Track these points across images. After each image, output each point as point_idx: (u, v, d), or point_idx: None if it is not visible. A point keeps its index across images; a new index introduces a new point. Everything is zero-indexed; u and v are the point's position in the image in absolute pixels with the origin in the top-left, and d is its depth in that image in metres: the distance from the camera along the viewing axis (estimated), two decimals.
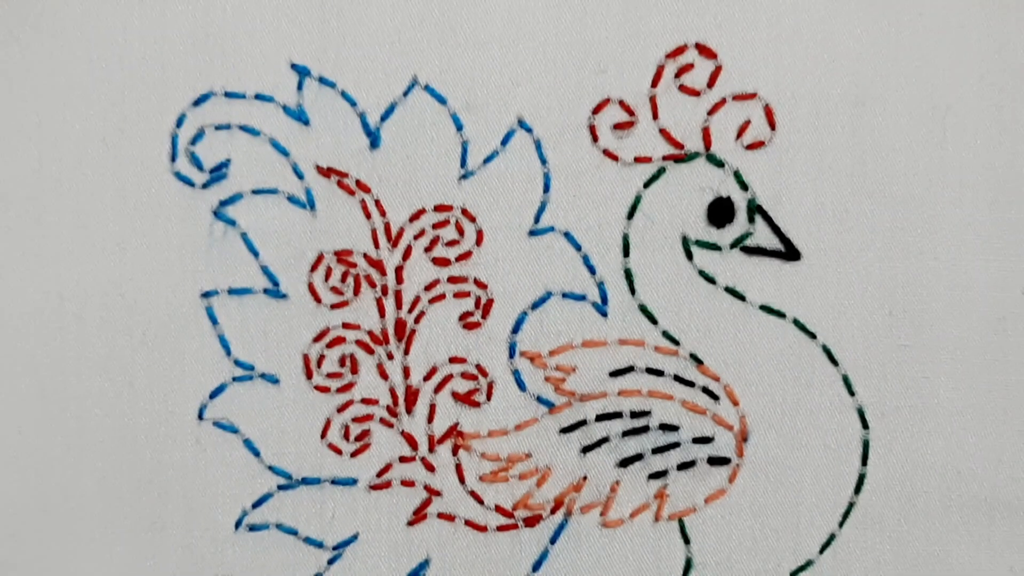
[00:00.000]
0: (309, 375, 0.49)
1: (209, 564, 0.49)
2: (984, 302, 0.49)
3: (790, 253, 0.48)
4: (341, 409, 0.49)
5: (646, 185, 0.48)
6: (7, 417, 0.49)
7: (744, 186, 0.48)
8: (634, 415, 0.49)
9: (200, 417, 0.49)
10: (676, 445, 0.49)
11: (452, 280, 0.49)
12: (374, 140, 0.48)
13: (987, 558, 0.49)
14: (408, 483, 0.50)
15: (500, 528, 0.50)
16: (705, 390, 0.49)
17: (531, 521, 0.50)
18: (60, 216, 0.48)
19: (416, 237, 0.49)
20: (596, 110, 0.48)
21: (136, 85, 0.48)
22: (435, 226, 0.49)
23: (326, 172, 0.48)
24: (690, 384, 0.49)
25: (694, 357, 0.49)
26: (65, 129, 0.48)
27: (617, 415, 0.49)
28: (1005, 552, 0.50)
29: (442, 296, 0.49)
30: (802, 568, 0.50)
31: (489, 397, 0.49)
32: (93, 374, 0.49)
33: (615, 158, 0.48)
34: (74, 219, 0.48)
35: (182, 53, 0.48)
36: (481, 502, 0.50)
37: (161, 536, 0.49)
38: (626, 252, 0.49)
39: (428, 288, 0.49)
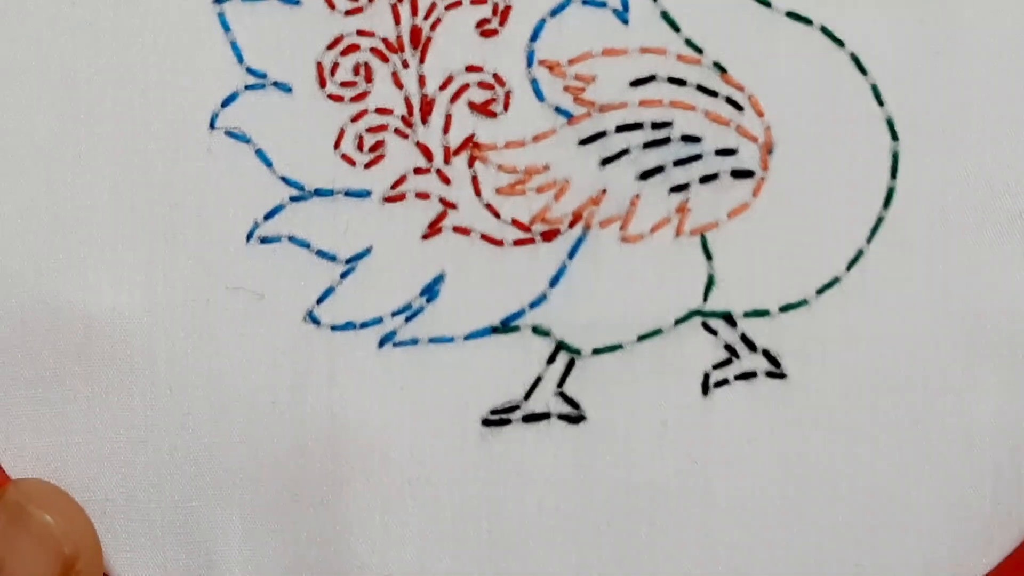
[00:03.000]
0: (322, 83, 0.48)
1: (220, 277, 0.48)
2: (1021, 8, 0.47)
3: None
4: (355, 119, 0.48)
5: None
6: (16, 122, 0.48)
7: None
8: (655, 126, 0.48)
9: (212, 126, 0.48)
10: (698, 157, 0.48)
11: None
12: None
13: (1022, 274, 0.48)
14: (423, 195, 0.48)
15: (517, 242, 0.48)
16: (729, 100, 0.48)
17: (548, 235, 0.48)
18: None
19: None
20: None
21: None
22: None
23: None
24: (713, 94, 0.48)
25: (718, 66, 0.48)
26: None
27: (638, 126, 0.48)
28: None
29: (458, 2, 0.48)
30: (828, 285, 0.48)
31: (506, 107, 0.48)
32: (104, 82, 0.48)
33: None
34: None
35: None
36: (497, 215, 0.48)
37: (172, 247, 0.48)
38: None
39: None
